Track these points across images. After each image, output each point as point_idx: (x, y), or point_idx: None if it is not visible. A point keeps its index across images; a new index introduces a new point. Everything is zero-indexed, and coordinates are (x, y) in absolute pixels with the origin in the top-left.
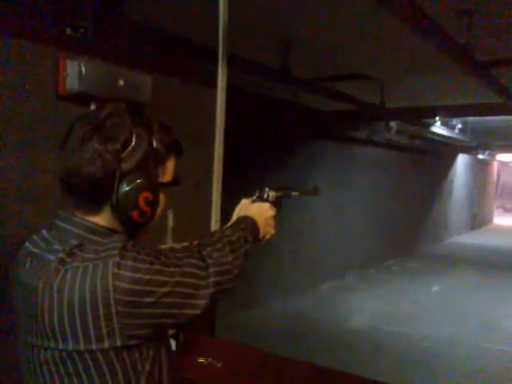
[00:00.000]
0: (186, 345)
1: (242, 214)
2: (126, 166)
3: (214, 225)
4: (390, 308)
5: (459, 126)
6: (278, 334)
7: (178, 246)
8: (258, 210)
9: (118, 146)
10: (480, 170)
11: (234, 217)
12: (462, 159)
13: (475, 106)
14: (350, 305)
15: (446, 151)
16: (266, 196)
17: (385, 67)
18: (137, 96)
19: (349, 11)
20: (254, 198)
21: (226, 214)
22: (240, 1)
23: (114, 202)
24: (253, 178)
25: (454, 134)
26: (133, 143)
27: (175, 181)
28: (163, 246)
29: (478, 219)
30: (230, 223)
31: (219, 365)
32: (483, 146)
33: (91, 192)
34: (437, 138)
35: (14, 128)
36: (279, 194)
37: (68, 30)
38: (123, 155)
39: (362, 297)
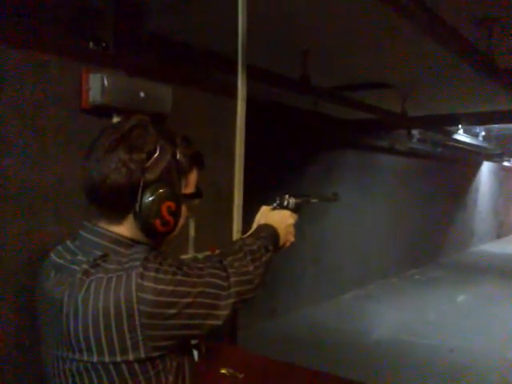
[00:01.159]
0: (209, 355)
1: (263, 221)
2: (149, 176)
3: (236, 234)
4: (413, 318)
5: (483, 133)
6: (299, 345)
7: (200, 255)
8: (278, 217)
9: (143, 156)
10: (506, 178)
11: (255, 224)
12: (486, 167)
13: (498, 113)
14: (373, 315)
15: (469, 159)
16: (286, 203)
17: (406, 76)
18: (158, 107)
19: (368, 21)
20: (275, 205)
21: (246, 221)
22: (259, 11)
23: (138, 210)
24: (273, 186)
25: (477, 141)
26: (157, 154)
27: (197, 193)
28: (185, 256)
29: (504, 227)
30: (250, 231)
31: (241, 376)
32: (508, 154)
33: (115, 200)
34: (460, 145)
35: (36, 140)
36: (299, 200)
37: (91, 44)
38: (147, 165)
39: (385, 306)
